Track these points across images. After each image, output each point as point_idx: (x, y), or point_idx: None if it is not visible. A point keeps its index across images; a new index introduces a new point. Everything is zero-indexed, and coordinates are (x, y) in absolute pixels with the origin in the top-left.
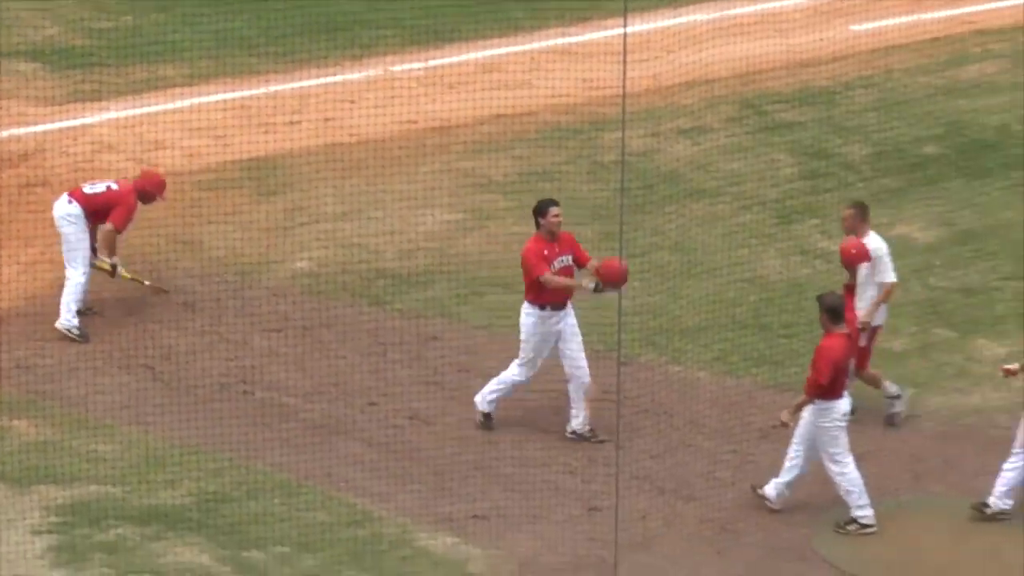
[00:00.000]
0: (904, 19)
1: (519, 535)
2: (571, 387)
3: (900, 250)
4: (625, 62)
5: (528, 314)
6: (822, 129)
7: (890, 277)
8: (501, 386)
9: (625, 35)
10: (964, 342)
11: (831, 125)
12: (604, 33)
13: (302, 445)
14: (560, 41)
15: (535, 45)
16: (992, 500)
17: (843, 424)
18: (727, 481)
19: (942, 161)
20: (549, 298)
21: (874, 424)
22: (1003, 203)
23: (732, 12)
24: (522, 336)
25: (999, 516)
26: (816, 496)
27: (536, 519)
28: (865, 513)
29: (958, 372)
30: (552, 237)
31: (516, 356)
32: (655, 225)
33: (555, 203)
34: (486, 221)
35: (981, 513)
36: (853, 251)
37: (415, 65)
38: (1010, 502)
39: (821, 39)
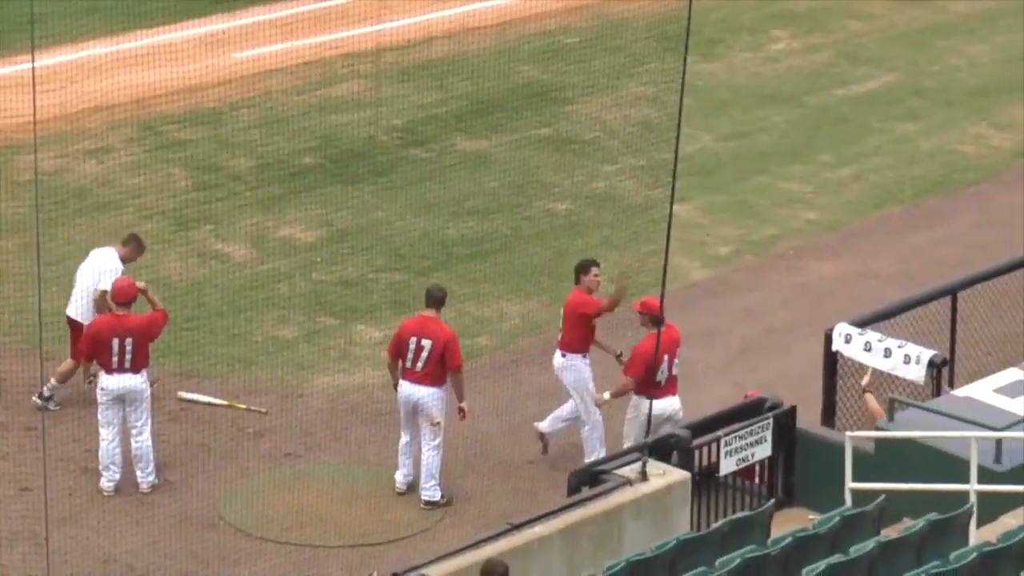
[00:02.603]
0: (280, 46)
1: None
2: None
3: (287, 250)
4: (35, 92)
5: (579, 366)
6: (211, 146)
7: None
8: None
9: (33, 68)
10: (345, 328)
11: (219, 142)
12: (14, 68)
13: None
14: None
15: None
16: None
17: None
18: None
19: (319, 170)
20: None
21: (269, 406)
22: (373, 204)
23: (128, 45)
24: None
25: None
26: None
27: None
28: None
29: (341, 355)
30: (590, 294)
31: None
32: (68, 236)
33: (597, 263)
34: None
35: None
36: None
37: None
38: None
39: (207, 66)
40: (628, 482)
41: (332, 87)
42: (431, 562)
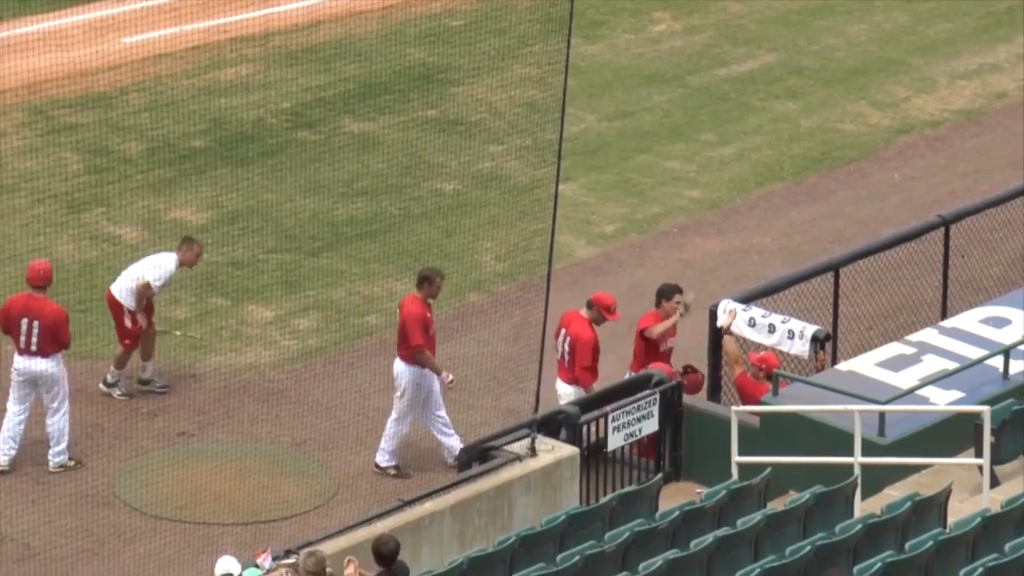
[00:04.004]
0: (169, 31)
1: None
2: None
3: (178, 231)
4: None
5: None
6: (103, 129)
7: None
8: None
9: None
10: (237, 308)
11: (110, 125)
12: None
13: None
14: None
15: None
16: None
17: None
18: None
19: (209, 152)
20: None
21: (161, 385)
22: (263, 186)
23: (17, 31)
24: None
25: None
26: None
27: None
28: None
29: (233, 335)
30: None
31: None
32: None
33: (680, 290)
34: None
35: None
36: None
37: None
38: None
39: (97, 51)
40: (517, 458)
41: (221, 71)
42: (324, 538)
